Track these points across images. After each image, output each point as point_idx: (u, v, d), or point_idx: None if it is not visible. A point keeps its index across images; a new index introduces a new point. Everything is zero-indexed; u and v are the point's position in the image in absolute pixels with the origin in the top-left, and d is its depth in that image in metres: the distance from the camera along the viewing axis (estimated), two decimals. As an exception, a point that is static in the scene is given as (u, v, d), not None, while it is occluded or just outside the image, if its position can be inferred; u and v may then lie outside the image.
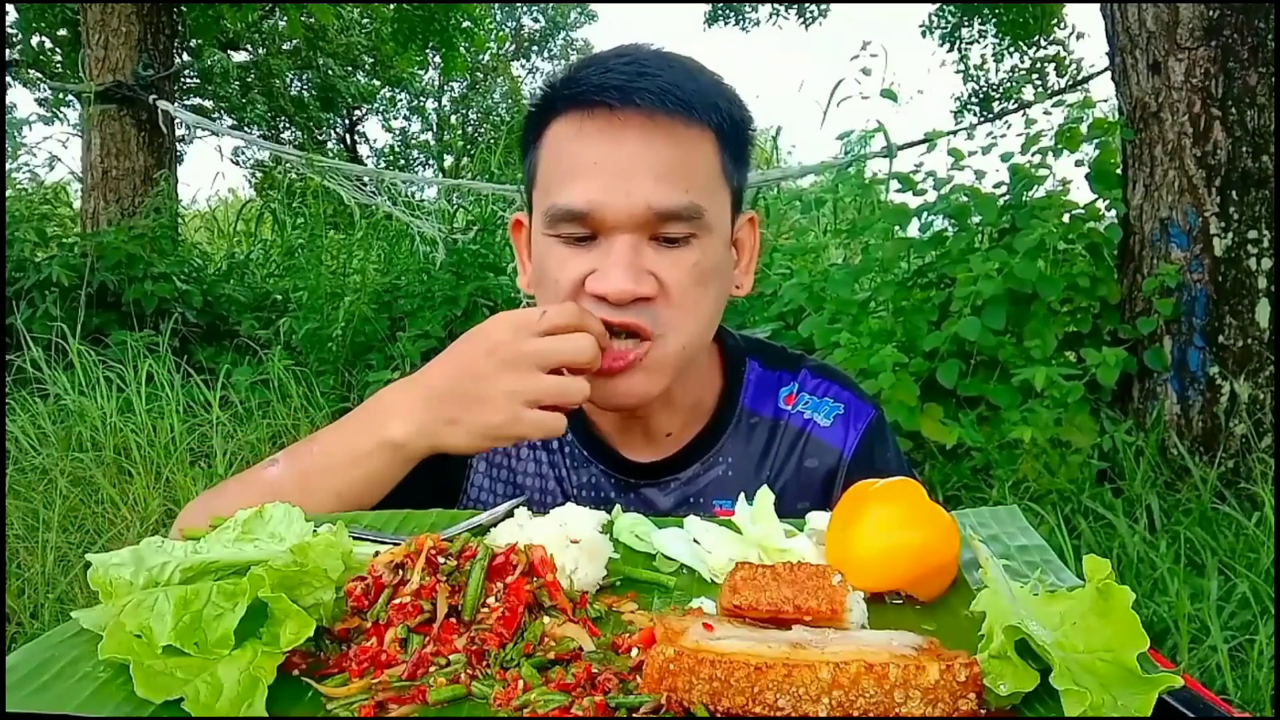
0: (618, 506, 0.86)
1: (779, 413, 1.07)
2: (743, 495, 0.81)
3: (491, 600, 0.59)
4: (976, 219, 3.48)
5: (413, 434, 0.87)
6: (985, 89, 10.46)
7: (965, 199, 3.46)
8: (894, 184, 3.91)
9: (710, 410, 1.05)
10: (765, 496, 0.79)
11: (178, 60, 7.80)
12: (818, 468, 1.04)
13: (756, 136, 1.00)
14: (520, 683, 0.53)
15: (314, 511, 0.86)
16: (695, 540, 0.75)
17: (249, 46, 12.75)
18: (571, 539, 0.69)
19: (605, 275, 0.88)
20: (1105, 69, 3.55)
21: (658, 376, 0.92)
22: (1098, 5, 3.41)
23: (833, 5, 9.75)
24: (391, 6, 9.13)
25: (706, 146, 0.91)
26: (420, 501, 0.90)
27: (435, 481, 0.95)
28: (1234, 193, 3.04)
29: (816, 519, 0.77)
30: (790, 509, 0.87)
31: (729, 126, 0.93)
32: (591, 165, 0.88)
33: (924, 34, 10.03)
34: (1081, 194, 3.56)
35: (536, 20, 19.62)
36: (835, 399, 1.07)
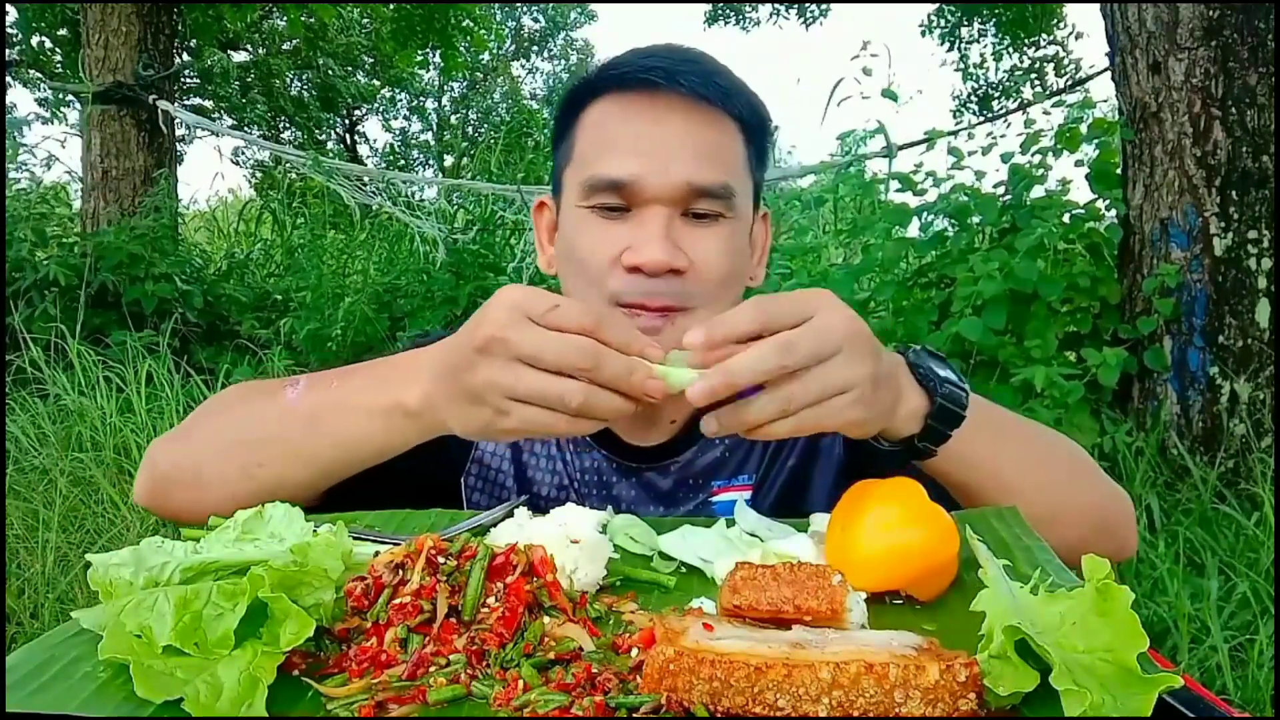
0: (610, 508, 0.86)
1: None
2: (742, 499, 0.82)
3: (491, 600, 0.59)
4: (977, 219, 3.48)
5: (423, 406, 0.80)
6: (985, 88, 10.47)
7: (965, 199, 3.45)
8: (894, 184, 3.90)
9: None
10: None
11: (178, 60, 7.80)
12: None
13: (774, 139, 1.04)
14: (520, 683, 0.53)
15: (308, 457, 0.84)
16: (696, 552, 0.75)
17: (249, 46, 12.76)
18: (571, 539, 0.69)
19: (642, 247, 0.90)
20: (1105, 69, 3.55)
21: None
22: (1098, 5, 3.41)
23: (833, 5, 9.77)
24: (391, 6, 9.13)
25: (736, 137, 0.96)
26: (424, 477, 0.88)
27: (439, 457, 0.90)
28: (1234, 193, 3.04)
29: (817, 519, 0.77)
30: (793, 480, 0.87)
31: (755, 123, 0.98)
32: (633, 139, 0.92)
33: (924, 34, 10.04)
34: (1081, 194, 3.56)
35: (536, 20, 19.64)
36: None
